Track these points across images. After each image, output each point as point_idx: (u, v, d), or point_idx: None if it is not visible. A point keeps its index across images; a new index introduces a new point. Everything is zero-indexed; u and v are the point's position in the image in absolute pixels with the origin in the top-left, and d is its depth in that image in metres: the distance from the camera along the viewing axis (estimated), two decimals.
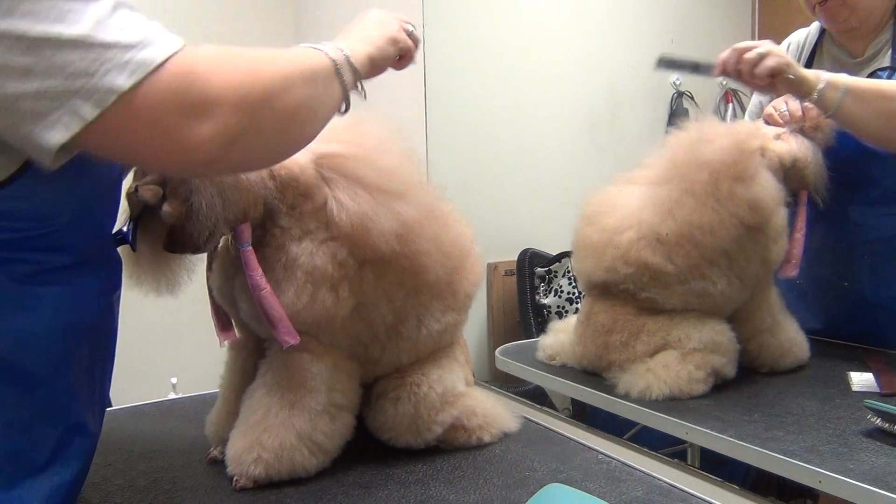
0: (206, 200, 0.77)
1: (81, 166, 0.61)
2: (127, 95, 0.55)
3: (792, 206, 1.23)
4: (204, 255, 0.90)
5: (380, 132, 0.92)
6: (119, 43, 0.54)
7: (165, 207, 0.78)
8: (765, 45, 1.12)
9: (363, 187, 0.86)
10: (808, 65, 1.38)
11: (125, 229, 0.80)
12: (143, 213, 0.81)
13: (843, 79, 1.12)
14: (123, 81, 0.54)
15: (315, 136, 0.74)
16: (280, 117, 0.65)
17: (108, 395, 0.78)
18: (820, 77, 1.12)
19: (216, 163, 0.62)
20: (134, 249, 0.81)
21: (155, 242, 0.83)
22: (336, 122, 0.84)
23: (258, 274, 0.82)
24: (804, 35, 1.43)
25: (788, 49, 1.44)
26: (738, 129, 1.17)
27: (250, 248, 0.82)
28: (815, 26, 1.42)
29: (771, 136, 1.23)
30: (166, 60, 0.56)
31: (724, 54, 1.15)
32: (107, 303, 0.72)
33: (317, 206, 0.85)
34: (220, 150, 0.60)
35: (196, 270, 0.89)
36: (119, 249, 0.79)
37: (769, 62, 1.11)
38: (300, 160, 0.85)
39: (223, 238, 0.92)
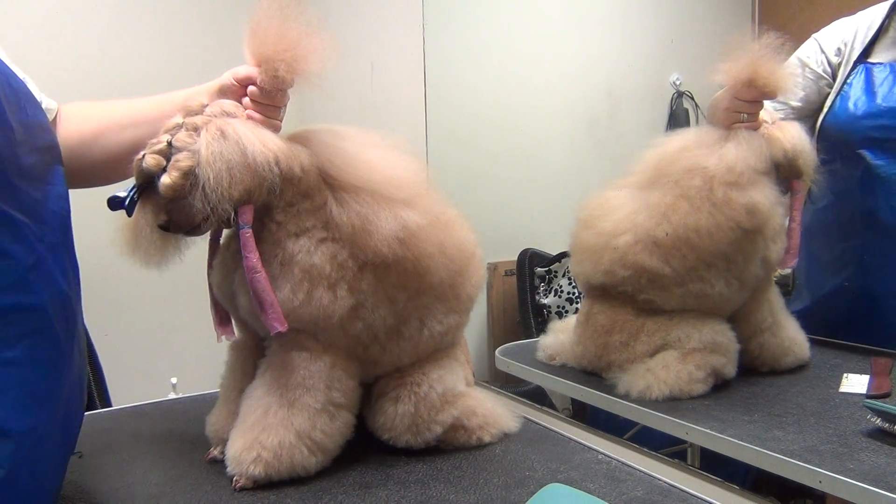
0: (215, 174, 0.76)
1: None
2: None
3: (786, 195, 1.22)
4: (198, 241, 0.90)
5: (388, 144, 0.92)
6: None
7: (164, 179, 0.77)
8: None
9: (367, 193, 0.86)
10: (870, 46, 1.38)
11: (122, 195, 0.80)
12: (149, 183, 0.80)
13: None
14: None
15: None
16: None
17: (62, 382, 0.71)
18: None
19: None
20: (129, 215, 0.80)
21: (154, 215, 0.82)
22: (343, 135, 0.84)
23: (255, 257, 0.81)
24: (868, 18, 1.40)
25: (851, 40, 1.40)
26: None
27: (250, 230, 0.82)
28: (881, 7, 1.39)
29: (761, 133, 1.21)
30: None
31: None
32: (10, 281, 0.65)
33: (316, 205, 0.85)
34: None
35: (190, 249, 0.88)
36: (119, 218, 0.78)
37: None
38: (304, 162, 0.85)
39: (223, 231, 0.92)
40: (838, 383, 1.16)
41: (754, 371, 1.24)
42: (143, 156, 0.79)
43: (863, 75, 1.36)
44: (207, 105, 0.84)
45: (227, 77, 0.89)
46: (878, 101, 1.32)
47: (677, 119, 2.46)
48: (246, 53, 0.85)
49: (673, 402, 1.11)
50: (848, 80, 1.37)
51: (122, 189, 0.82)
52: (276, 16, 0.82)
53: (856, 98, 1.35)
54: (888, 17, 1.38)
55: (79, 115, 1.00)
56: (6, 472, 0.63)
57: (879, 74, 1.34)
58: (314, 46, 0.82)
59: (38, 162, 0.71)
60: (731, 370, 1.17)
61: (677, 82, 2.44)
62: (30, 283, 0.66)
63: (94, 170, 0.99)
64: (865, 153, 1.31)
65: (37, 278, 0.67)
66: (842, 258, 1.41)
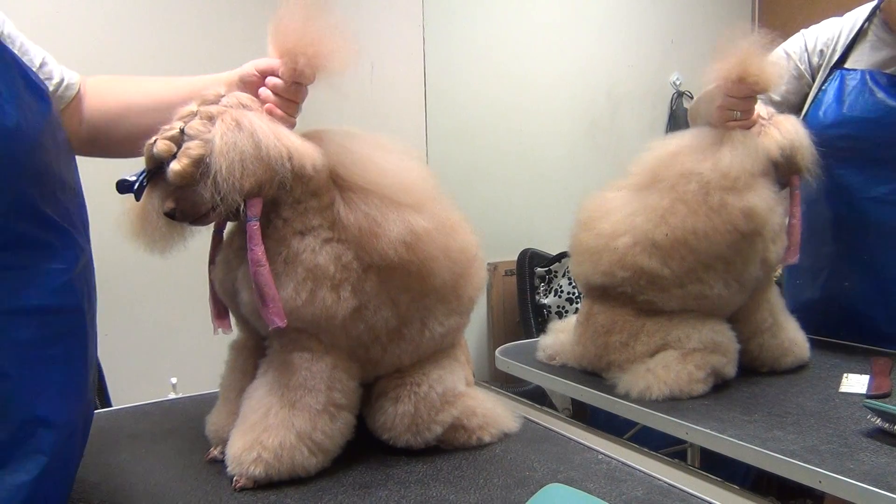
0: (227, 164, 0.76)
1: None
2: None
3: (784, 188, 1.22)
4: (202, 236, 0.90)
5: (397, 148, 0.92)
6: None
7: (173, 165, 0.77)
8: None
9: (376, 196, 0.86)
10: (848, 50, 1.37)
11: (131, 178, 0.80)
12: (159, 169, 0.80)
13: None
14: None
15: None
16: None
17: (89, 379, 0.74)
18: None
19: None
20: (137, 199, 0.80)
21: (161, 202, 0.82)
22: (355, 137, 0.84)
23: (260, 249, 0.81)
24: (851, 20, 1.39)
25: (834, 43, 1.39)
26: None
27: (257, 223, 0.81)
28: (864, 9, 1.38)
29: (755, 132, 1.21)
30: None
31: None
32: (60, 283, 0.69)
33: (323, 204, 0.85)
34: None
35: (190, 248, 0.88)
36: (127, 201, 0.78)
37: None
38: (316, 161, 0.84)
39: (226, 226, 0.92)
40: (838, 383, 1.16)
41: (754, 371, 1.24)
42: (155, 140, 0.79)
43: (837, 82, 1.35)
44: (224, 95, 0.84)
45: (249, 67, 0.89)
46: (845, 110, 1.31)
47: (677, 119, 2.46)
48: (270, 47, 0.86)
49: (673, 402, 1.11)
50: (823, 87, 1.37)
51: (132, 173, 0.81)
52: (300, 13, 0.83)
53: (826, 105, 1.34)
54: (868, 20, 1.36)
55: (104, 90, 0.99)
56: (49, 460, 0.66)
57: (850, 82, 1.32)
58: (335, 45, 0.83)
59: (70, 176, 0.75)
60: (731, 370, 1.17)
61: (677, 82, 2.44)
62: (72, 285, 0.71)
63: (114, 146, 0.99)
64: (831, 162, 1.30)
65: (76, 281, 0.72)
66: (815, 265, 1.42)
